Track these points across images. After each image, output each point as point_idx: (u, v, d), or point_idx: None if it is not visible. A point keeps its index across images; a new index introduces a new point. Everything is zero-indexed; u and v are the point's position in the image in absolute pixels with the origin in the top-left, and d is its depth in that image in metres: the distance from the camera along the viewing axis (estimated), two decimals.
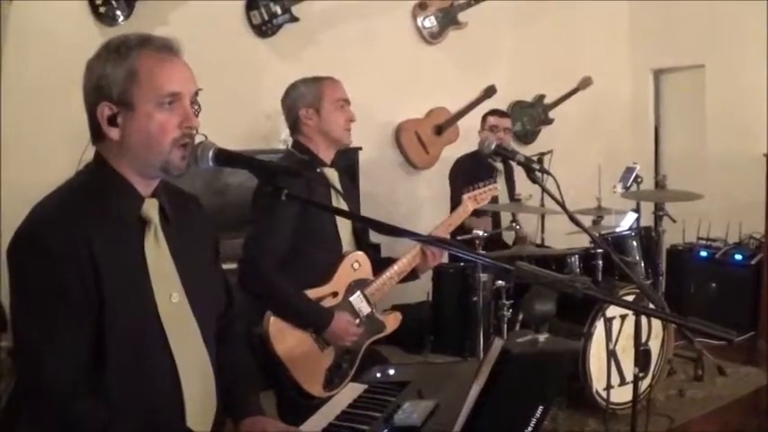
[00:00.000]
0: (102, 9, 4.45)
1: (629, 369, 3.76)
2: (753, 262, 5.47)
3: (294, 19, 5.16)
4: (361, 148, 5.08)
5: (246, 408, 1.92)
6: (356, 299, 2.92)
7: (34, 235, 1.65)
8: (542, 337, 1.52)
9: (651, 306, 2.58)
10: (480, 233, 3.86)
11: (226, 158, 1.77)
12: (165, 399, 1.76)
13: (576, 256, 4.16)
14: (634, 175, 4.79)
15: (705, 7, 6.33)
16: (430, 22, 5.94)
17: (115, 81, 1.70)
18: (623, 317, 3.88)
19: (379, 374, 2.17)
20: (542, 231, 5.38)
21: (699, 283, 5.64)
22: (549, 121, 6.66)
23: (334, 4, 5.39)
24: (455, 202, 4.64)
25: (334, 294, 2.88)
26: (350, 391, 2.07)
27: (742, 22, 6.12)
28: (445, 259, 3.92)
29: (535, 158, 5.28)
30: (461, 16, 6.01)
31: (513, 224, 4.09)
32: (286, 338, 2.75)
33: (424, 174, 5.98)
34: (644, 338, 3.81)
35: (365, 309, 2.93)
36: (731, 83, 6.31)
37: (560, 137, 6.49)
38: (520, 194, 4.28)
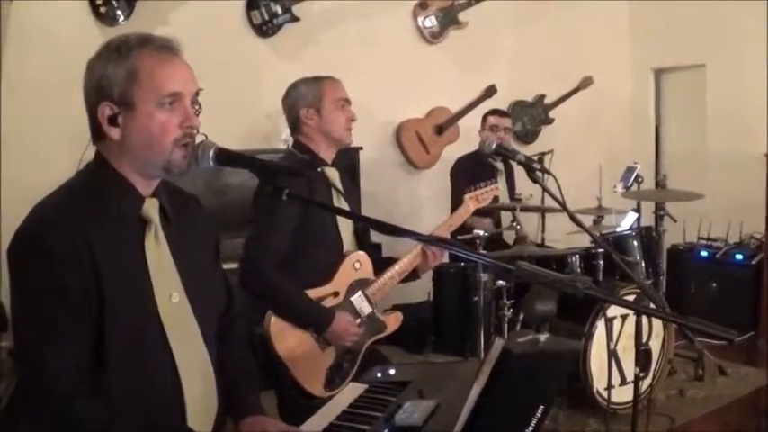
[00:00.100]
0: (102, 9, 4.45)
1: (629, 369, 3.76)
2: (753, 262, 5.47)
3: (295, 19, 5.16)
4: (361, 148, 5.08)
5: (246, 407, 1.92)
6: (357, 299, 2.92)
7: (34, 235, 1.65)
8: (543, 337, 1.52)
9: (652, 306, 2.58)
10: (481, 233, 3.86)
11: (226, 158, 1.77)
12: (165, 399, 1.76)
13: (577, 255, 4.15)
14: (635, 174, 4.79)
15: (705, 7, 6.33)
16: (430, 21, 5.94)
17: (116, 81, 1.69)
18: (624, 317, 3.88)
19: (379, 374, 2.17)
20: (543, 231, 5.39)
21: (699, 283, 5.64)
22: (550, 121, 6.66)
23: (335, 4, 5.39)
24: (456, 202, 4.65)
25: (335, 294, 2.88)
26: (350, 391, 2.06)
27: (742, 21, 6.12)
28: (446, 259, 3.92)
29: (535, 158, 5.28)
30: (462, 16, 6.01)
31: (514, 224, 4.09)
32: (287, 338, 2.74)
33: (424, 173, 5.98)
34: (645, 338, 3.80)
35: (366, 308, 2.93)
36: (732, 82, 6.30)
37: (561, 136, 6.49)
38: (520, 194, 4.28)
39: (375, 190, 5.47)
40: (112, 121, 1.71)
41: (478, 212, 3.46)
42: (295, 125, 3.02)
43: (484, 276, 3.95)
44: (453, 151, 5.60)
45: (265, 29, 5.13)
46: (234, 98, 4.72)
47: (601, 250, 4.07)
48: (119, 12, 4.49)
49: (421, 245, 2.98)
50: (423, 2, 5.91)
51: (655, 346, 4.02)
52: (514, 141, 6.15)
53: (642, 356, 3.22)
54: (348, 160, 4.80)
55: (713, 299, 5.50)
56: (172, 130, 1.72)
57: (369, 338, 2.97)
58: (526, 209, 4.37)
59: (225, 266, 2.08)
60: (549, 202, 4.68)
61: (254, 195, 2.87)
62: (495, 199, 3.54)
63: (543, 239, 5.33)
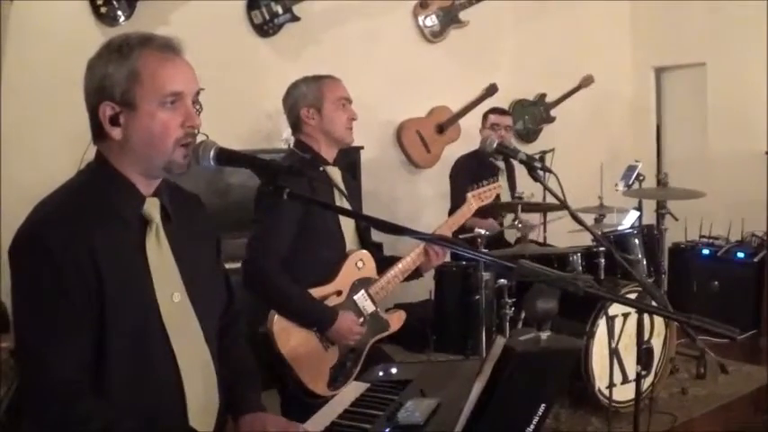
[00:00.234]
0: (103, 9, 4.44)
1: (631, 367, 3.76)
2: (755, 260, 5.47)
3: (295, 18, 5.16)
4: (362, 147, 5.08)
5: (246, 405, 1.91)
6: (360, 298, 2.92)
7: (35, 235, 1.65)
8: (545, 336, 1.52)
9: (654, 304, 2.58)
10: (482, 231, 3.86)
11: (227, 158, 1.76)
12: (167, 398, 1.75)
13: (579, 254, 4.15)
14: (636, 173, 4.79)
15: (706, 5, 6.34)
16: (431, 20, 5.94)
17: (117, 81, 1.69)
18: (626, 315, 3.88)
19: (381, 373, 2.17)
20: (544, 230, 5.38)
21: (701, 281, 5.63)
22: (551, 120, 6.66)
23: (336, 4, 5.40)
24: (455, 202, 4.65)
25: (339, 293, 2.88)
26: (352, 390, 2.07)
27: (743, 20, 6.13)
28: (447, 258, 3.92)
29: (537, 157, 5.27)
30: (462, 15, 6.01)
31: (516, 222, 4.08)
32: (290, 337, 2.75)
33: (425, 172, 5.98)
34: (646, 336, 3.80)
35: (369, 307, 2.93)
36: (733, 81, 6.31)
37: (562, 135, 6.49)
38: (522, 193, 4.27)
39: (376, 189, 5.47)
40: (114, 120, 1.71)
41: (478, 213, 3.46)
42: (296, 125, 3.02)
43: (486, 275, 3.95)
44: (454, 150, 5.60)
45: (266, 29, 5.13)
46: (235, 98, 4.72)
47: (602, 249, 4.07)
48: (119, 12, 4.49)
49: (423, 244, 2.98)
50: (423, 1, 5.91)
51: (656, 344, 4.02)
52: (515, 140, 6.16)
53: (644, 355, 3.21)
54: (349, 159, 4.80)
55: (715, 297, 5.50)
56: (173, 129, 1.72)
57: (372, 337, 2.97)
58: (527, 207, 4.37)
59: (227, 266, 2.08)
60: (551, 201, 4.68)
61: (256, 195, 2.87)
62: (497, 197, 3.54)
63: (545, 238, 5.32)
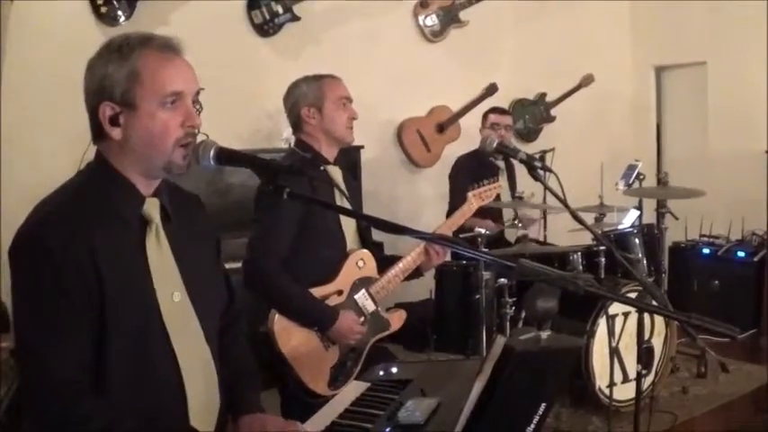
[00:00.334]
0: (103, 9, 4.44)
1: (631, 366, 3.76)
2: (755, 259, 5.47)
3: (295, 18, 5.16)
4: (363, 147, 5.08)
5: (245, 405, 1.91)
6: (361, 297, 2.92)
7: (35, 235, 1.65)
8: (545, 335, 1.52)
9: (654, 303, 2.58)
10: (483, 231, 3.86)
11: (227, 157, 1.76)
12: (167, 398, 1.75)
13: (579, 253, 4.15)
14: (636, 172, 4.79)
15: (707, 5, 6.33)
16: (431, 20, 5.94)
17: (117, 81, 1.69)
18: (626, 314, 3.88)
19: (381, 372, 2.17)
20: (545, 229, 5.38)
21: (701, 281, 5.63)
22: (551, 119, 6.65)
23: (336, 4, 5.39)
24: (454, 202, 4.65)
25: (339, 293, 2.89)
26: (353, 390, 2.07)
27: (744, 19, 6.13)
28: (448, 257, 3.92)
29: (537, 156, 5.27)
30: (463, 14, 6.00)
31: (516, 221, 4.09)
32: (291, 337, 2.75)
33: (426, 172, 5.97)
34: (647, 336, 3.79)
35: (370, 307, 2.93)
36: (733, 80, 6.30)
37: (562, 134, 6.49)
38: (522, 192, 4.27)
39: (376, 188, 5.47)
40: (114, 120, 1.71)
41: (478, 213, 3.46)
42: (296, 124, 3.02)
43: (486, 274, 3.94)
44: (454, 150, 5.60)
45: (266, 28, 5.13)
46: (235, 98, 4.72)
47: (602, 248, 4.07)
48: (119, 12, 4.48)
49: (423, 243, 2.98)
50: (423, 1, 5.90)
51: (657, 343, 4.01)
52: (515, 139, 6.15)
53: (644, 354, 3.21)
54: (349, 159, 4.80)
55: (715, 296, 5.50)
56: (173, 129, 1.72)
57: (372, 337, 2.97)
58: (528, 207, 4.37)
59: (227, 266, 2.08)
60: (551, 200, 4.68)
61: (256, 195, 2.87)
62: (497, 197, 3.54)
63: (545, 237, 5.32)
